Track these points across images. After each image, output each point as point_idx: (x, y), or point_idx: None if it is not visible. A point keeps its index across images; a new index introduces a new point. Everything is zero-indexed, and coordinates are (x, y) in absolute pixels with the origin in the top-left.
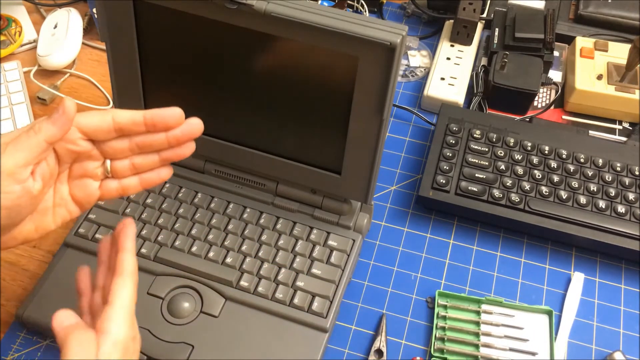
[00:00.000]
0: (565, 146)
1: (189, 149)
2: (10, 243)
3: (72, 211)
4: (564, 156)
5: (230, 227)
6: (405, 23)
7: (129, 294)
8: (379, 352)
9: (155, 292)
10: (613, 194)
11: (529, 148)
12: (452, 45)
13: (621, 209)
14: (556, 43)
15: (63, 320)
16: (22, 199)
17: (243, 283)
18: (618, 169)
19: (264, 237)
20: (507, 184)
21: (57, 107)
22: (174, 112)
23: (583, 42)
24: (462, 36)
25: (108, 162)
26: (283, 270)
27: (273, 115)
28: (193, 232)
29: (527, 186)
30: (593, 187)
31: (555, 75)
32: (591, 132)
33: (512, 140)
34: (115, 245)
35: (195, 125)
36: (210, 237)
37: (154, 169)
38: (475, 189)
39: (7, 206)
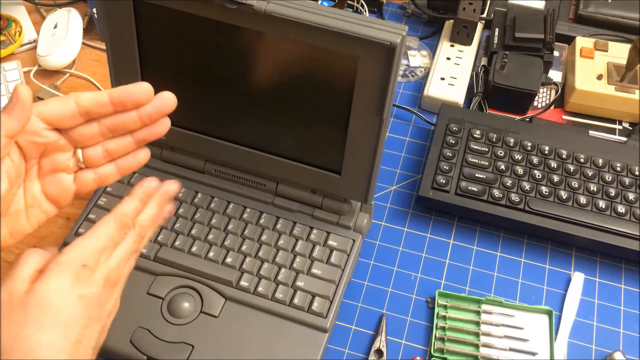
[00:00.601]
0: (565, 146)
1: (164, 126)
2: None
3: (48, 211)
4: (564, 156)
5: (230, 227)
6: (405, 23)
7: (106, 230)
8: (379, 352)
9: (155, 292)
10: (613, 194)
11: (529, 148)
12: (452, 45)
13: (621, 209)
14: (556, 43)
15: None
16: None
17: (243, 283)
18: (618, 169)
19: (264, 237)
20: (507, 184)
21: (10, 96)
22: (142, 87)
23: (583, 42)
24: (462, 36)
25: (79, 151)
26: (283, 270)
27: (273, 115)
28: (193, 232)
29: (527, 186)
30: (593, 187)
31: (555, 75)
32: (591, 132)
33: (512, 140)
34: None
35: (168, 99)
36: (210, 237)
37: (129, 152)
38: (475, 189)
39: None
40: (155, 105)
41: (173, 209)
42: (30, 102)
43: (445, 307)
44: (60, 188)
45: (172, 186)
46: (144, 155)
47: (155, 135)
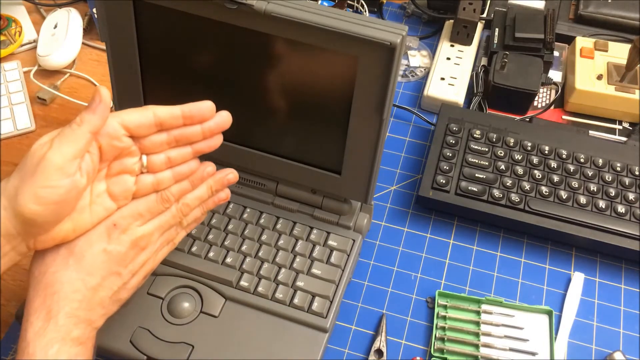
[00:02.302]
0: (565, 146)
1: (219, 140)
2: (48, 243)
3: (109, 207)
4: (564, 156)
5: (230, 227)
6: (405, 23)
7: (145, 199)
8: (379, 352)
9: (155, 292)
10: (613, 194)
11: (529, 148)
12: (452, 45)
13: (621, 209)
14: (556, 43)
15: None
16: (70, 193)
17: (243, 283)
18: (618, 169)
19: (264, 237)
20: (507, 184)
21: (92, 97)
22: (209, 105)
23: (583, 42)
24: (462, 36)
25: (145, 157)
26: (283, 270)
27: (273, 115)
28: (193, 232)
29: (527, 186)
30: (593, 187)
31: (555, 75)
32: (591, 132)
33: (512, 140)
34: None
35: (225, 117)
36: (210, 237)
37: (185, 161)
38: (475, 189)
39: (56, 201)
40: (217, 121)
41: (228, 196)
42: (110, 103)
43: (445, 307)
44: (123, 188)
45: (230, 175)
46: (195, 164)
47: (211, 147)
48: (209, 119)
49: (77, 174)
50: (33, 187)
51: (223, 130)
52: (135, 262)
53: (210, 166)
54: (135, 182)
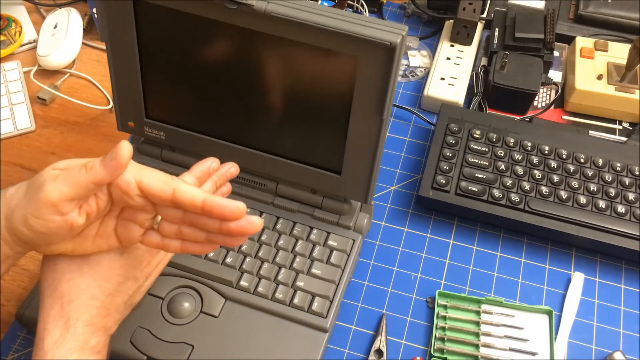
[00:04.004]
0: (565, 146)
1: (239, 241)
2: (47, 252)
3: (111, 244)
4: (564, 156)
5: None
6: (405, 23)
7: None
8: (379, 352)
9: (155, 292)
10: (613, 194)
11: (529, 148)
12: (452, 45)
13: (621, 209)
14: (556, 43)
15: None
16: (61, 229)
17: (243, 283)
18: (618, 169)
19: (263, 237)
20: (507, 184)
21: (113, 148)
22: (236, 207)
23: (583, 42)
24: (462, 36)
25: (159, 217)
26: (283, 270)
27: (273, 115)
28: None
29: (527, 186)
30: (593, 187)
31: (555, 75)
32: (591, 132)
33: (512, 140)
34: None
35: (255, 224)
36: None
37: (198, 242)
38: (475, 189)
39: (43, 232)
40: (239, 225)
41: (229, 190)
42: (126, 162)
43: (445, 307)
44: (128, 234)
45: (232, 168)
46: (211, 248)
47: (229, 245)
48: (232, 220)
49: (73, 213)
50: (26, 211)
51: (248, 235)
52: (150, 265)
53: (215, 162)
54: (143, 232)
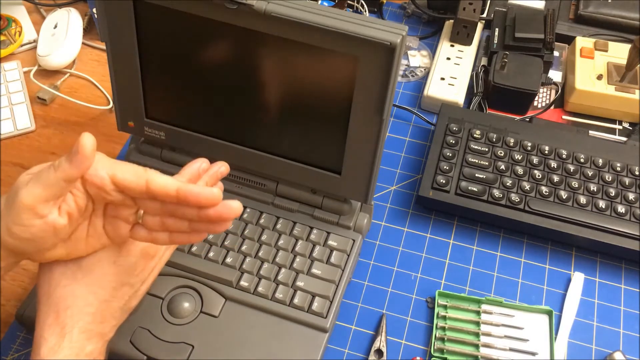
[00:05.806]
0: (565, 146)
1: (222, 227)
2: (43, 260)
3: (104, 243)
4: (564, 156)
5: (230, 227)
6: (405, 23)
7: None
8: (379, 352)
9: (155, 292)
10: (613, 194)
11: (529, 148)
12: (452, 45)
13: (621, 209)
14: (556, 43)
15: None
16: (45, 232)
17: (243, 283)
18: (618, 169)
19: (264, 237)
20: (507, 184)
21: (75, 144)
22: (210, 193)
23: (583, 42)
24: (462, 36)
25: (141, 211)
26: (283, 270)
27: (273, 115)
28: None
29: (527, 186)
30: (593, 187)
31: (555, 75)
32: (591, 132)
33: (512, 140)
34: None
35: (234, 208)
36: (210, 237)
37: (184, 232)
38: (475, 189)
39: (27, 238)
40: (218, 211)
41: (222, 189)
42: (91, 153)
43: (445, 307)
44: (117, 232)
45: (222, 167)
46: (198, 237)
47: (212, 231)
48: (209, 207)
49: (52, 214)
50: (7, 220)
51: (230, 220)
52: (145, 271)
53: (204, 162)
54: (130, 228)
